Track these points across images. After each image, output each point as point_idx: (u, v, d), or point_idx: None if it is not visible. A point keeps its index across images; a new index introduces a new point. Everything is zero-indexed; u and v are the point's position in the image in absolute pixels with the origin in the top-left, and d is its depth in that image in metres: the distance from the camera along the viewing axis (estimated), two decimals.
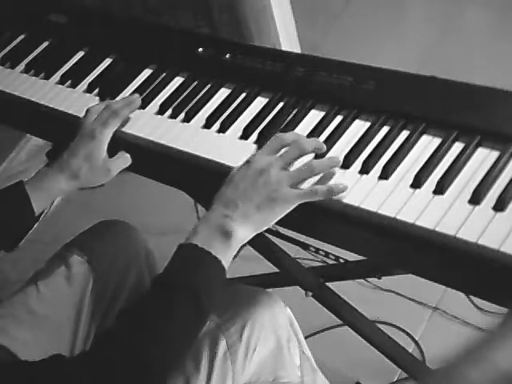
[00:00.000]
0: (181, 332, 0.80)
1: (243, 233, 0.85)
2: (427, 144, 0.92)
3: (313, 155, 0.93)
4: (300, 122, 1.02)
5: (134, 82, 1.18)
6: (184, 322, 0.80)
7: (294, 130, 1.00)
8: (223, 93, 1.11)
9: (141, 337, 0.78)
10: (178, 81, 1.16)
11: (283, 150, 0.91)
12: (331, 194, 0.86)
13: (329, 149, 0.96)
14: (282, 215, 0.87)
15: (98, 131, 1.04)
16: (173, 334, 0.79)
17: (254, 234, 0.87)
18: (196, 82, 1.14)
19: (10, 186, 1.03)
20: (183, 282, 0.81)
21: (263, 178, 0.86)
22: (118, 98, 1.16)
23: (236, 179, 0.88)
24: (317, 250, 1.45)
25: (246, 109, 1.07)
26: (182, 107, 1.10)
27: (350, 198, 0.88)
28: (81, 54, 1.28)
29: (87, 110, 1.08)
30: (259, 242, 0.96)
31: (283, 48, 1.84)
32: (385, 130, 0.96)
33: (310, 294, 1.31)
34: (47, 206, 1.04)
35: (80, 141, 1.04)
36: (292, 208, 0.86)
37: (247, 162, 0.89)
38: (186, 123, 1.07)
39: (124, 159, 1.06)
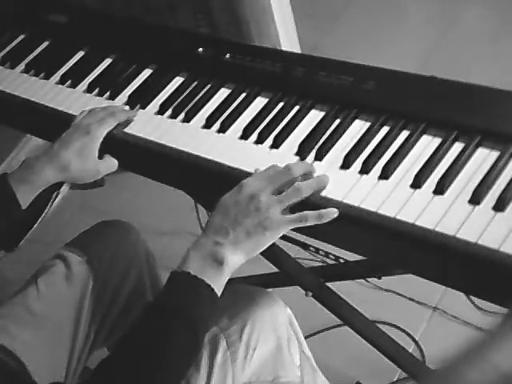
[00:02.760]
0: (178, 360, 0.81)
1: (235, 259, 0.85)
2: (427, 144, 0.92)
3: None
4: (300, 122, 1.02)
5: (134, 81, 1.18)
6: (181, 350, 0.81)
7: (294, 130, 1.00)
8: (223, 93, 1.11)
9: (140, 366, 0.79)
10: (177, 81, 1.16)
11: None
12: (321, 218, 0.86)
13: (329, 149, 0.96)
14: (274, 241, 0.87)
15: (94, 127, 1.04)
16: (171, 362, 0.80)
17: (246, 260, 0.86)
18: (196, 82, 1.14)
19: None
20: (178, 311, 0.81)
21: (254, 204, 0.86)
22: (118, 98, 1.16)
23: (227, 205, 0.88)
24: (317, 250, 1.46)
25: (245, 109, 1.07)
26: (182, 107, 1.10)
27: (350, 198, 0.88)
28: (81, 53, 1.28)
29: (82, 111, 1.09)
30: None
31: (283, 48, 1.84)
32: (385, 130, 0.96)
33: (310, 294, 1.31)
34: (33, 197, 1.02)
35: (74, 134, 1.04)
36: (283, 233, 0.86)
37: (238, 186, 0.89)
38: (186, 123, 1.07)
39: (112, 163, 1.06)
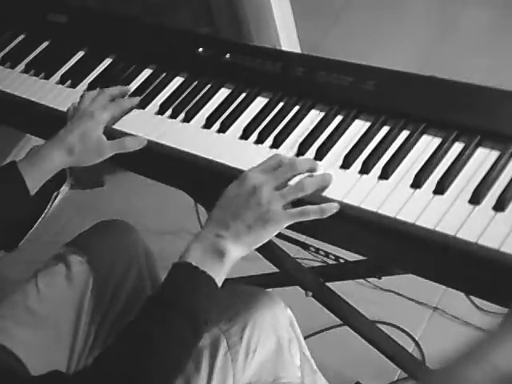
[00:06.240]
0: (177, 349, 0.81)
1: (236, 252, 0.85)
2: (427, 144, 0.92)
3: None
4: (300, 122, 1.02)
5: (134, 81, 1.18)
6: (180, 340, 0.81)
7: (294, 130, 1.00)
8: (223, 93, 1.11)
9: (139, 355, 0.79)
10: (178, 81, 1.16)
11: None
12: (323, 213, 0.86)
13: (329, 149, 0.96)
14: (275, 234, 0.87)
15: (98, 113, 1.07)
16: (170, 351, 0.80)
17: (247, 253, 0.87)
18: (196, 82, 1.14)
19: (2, 166, 1.05)
20: (179, 301, 0.82)
21: (255, 198, 0.86)
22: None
23: (228, 198, 0.88)
24: (317, 250, 1.45)
25: (245, 109, 1.07)
26: (182, 107, 1.10)
27: (350, 198, 0.88)
28: (81, 54, 1.28)
29: (82, 96, 1.11)
30: None
31: (283, 48, 1.84)
32: (385, 130, 0.96)
33: (310, 294, 1.31)
34: (41, 183, 1.05)
35: (78, 120, 1.07)
36: (284, 227, 0.87)
37: (241, 178, 0.89)
38: (186, 123, 1.08)
39: (120, 144, 1.06)
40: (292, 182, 0.90)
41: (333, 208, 0.87)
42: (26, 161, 1.04)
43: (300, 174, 0.90)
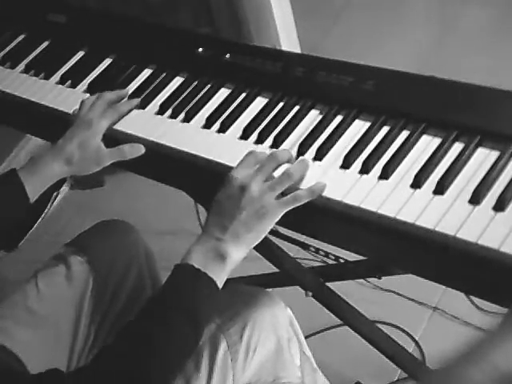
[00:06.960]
0: (177, 349, 0.82)
1: (237, 254, 0.86)
2: (427, 144, 0.92)
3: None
4: (300, 121, 1.02)
5: (134, 81, 1.18)
6: (180, 340, 0.82)
7: (294, 130, 1.00)
8: (223, 93, 1.11)
9: (139, 354, 0.80)
10: (178, 81, 1.16)
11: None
12: (313, 194, 0.88)
13: (329, 149, 0.96)
14: (271, 227, 0.88)
15: (96, 121, 1.06)
16: (169, 351, 0.81)
17: (248, 250, 0.88)
18: (196, 82, 1.14)
19: (3, 173, 1.05)
20: (180, 302, 0.83)
21: (247, 195, 0.87)
22: None
23: (220, 202, 0.89)
24: (317, 250, 1.45)
25: (245, 109, 1.07)
26: (182, 107, 1.10)
27: (349, 198, 0.88)
28: (81, 54, 1.28)
29: (81, 102, 1.11)
30: (259, 242, 0.97)
31: (283, 48, 1.84)
32: (385, 130, 0.96)
33: (310, 294, 1.31)
34: (41, 191, 1.05)
35: (77, 128, 1.07)
36: (279, 217, 0.87)
37: (226, 181, 0.89)
38: (185, 123, 1.08)
39: (119, 152, 1.06)
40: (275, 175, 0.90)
41: (321, 187, 0.88)
42: (26, 169, 1.04)
43: (281, 164, 0.91)
